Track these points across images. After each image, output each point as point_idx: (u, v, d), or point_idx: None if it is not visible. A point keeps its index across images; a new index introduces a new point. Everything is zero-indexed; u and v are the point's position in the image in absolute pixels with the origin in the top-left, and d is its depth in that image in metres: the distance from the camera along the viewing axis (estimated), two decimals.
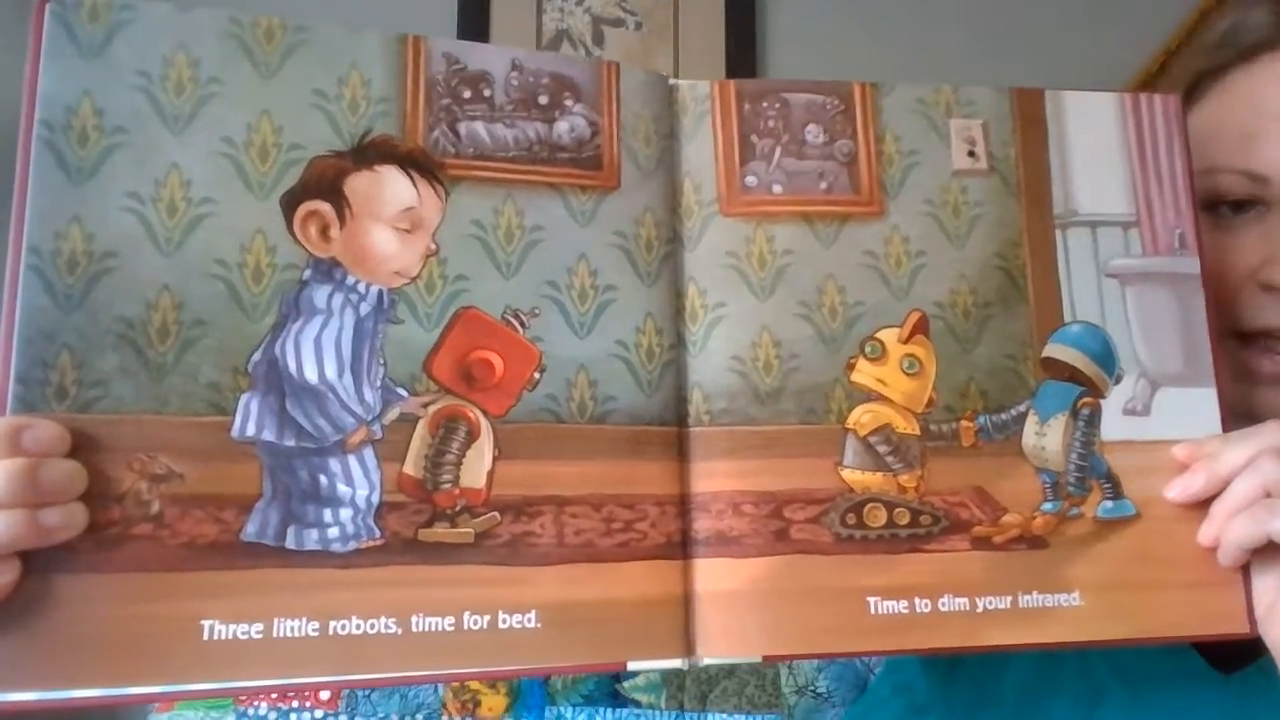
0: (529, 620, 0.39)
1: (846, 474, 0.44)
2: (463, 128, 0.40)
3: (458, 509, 0.39)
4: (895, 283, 0.46)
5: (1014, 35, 1.50)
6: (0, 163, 1.44)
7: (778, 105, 0.46)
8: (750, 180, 0.45)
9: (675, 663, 0.41)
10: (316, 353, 0.38)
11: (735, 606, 0.42)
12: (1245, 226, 0.53)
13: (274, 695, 0.78)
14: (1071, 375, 0.47)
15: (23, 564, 0.34)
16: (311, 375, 0.38)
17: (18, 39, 1.46)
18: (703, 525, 0.43)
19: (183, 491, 0.36)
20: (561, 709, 0.83)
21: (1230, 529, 0.44)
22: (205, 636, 0.36)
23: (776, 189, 0.45)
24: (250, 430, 0.37)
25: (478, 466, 0.40)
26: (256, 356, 0.38)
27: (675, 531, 0.42)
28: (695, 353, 0.44)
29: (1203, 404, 0.47)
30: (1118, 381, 0.47)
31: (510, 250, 0.41)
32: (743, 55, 1.61)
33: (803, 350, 0.44)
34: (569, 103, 0.42)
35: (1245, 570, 0.46)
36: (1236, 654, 0.51)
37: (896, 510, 0.44)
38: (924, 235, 0.46)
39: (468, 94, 0.41)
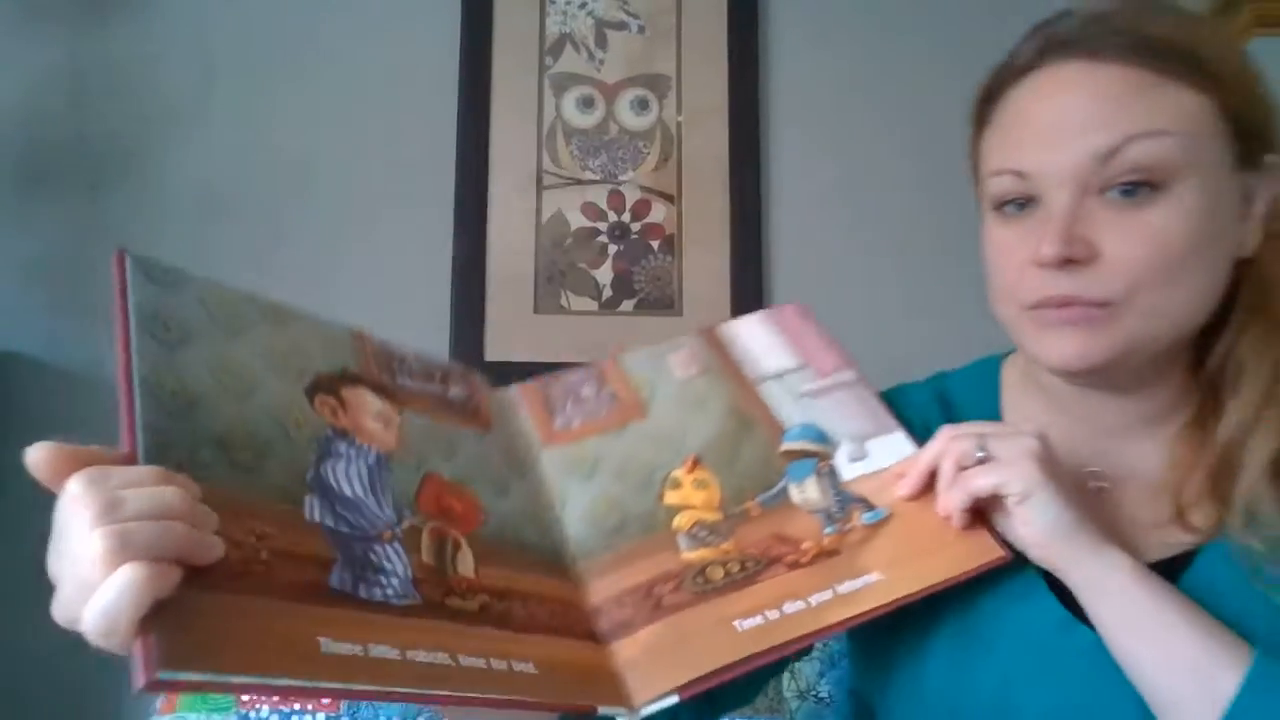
0: (529, 667, 0.53)
1: (686, 556, 0.64)
2: (398, 380, 0.65)
3: (464, 588, 0.55)
4: (666, 445, 0.71)
5: (1013, 33, 1.57)
6: (2, 160, 1.49)
7: (560, 385, 0.75)
8: (559, 423, 0.72)
9: (622, 712, 0.56)
10: (348, 479, 0.54)
11: (644, 664, 0.58)
12: (1022, 221, 0.65)
13: (275, 698, 0.78)
14: (804, 454, 0.71)
15: (185, 577, 0.42)
16: (348, 491, 0.54)
17: (20, 39, 1.58)
18: (604, 623, 0.61)
19: (280, 547, 0.47)
20: None
21: (948, 500, 0.64)
22: (323, 650, 0.44)
23: (575, 423, 0.72)
24: (316, 518, 0.50)
25: (466, 564, 0.57)
26: (310, 475, 0.52)
27: (592, 628, 0.60)
28: (563, 518, 0.66)
29: (897, 441, 0.71)
30: (837, 448, 0.71)
31: (446, 447, 0.64)
32: (745, 58, 1.61)
33: (627, 499, 0.67)
34: (452, 381, 0.69)
35: (983, 518, 0.65)
36: None
37: (729, 564, 0.64)
38: (679, 416, 0.73)
39: (397, 364, 0.66)
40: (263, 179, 1.54)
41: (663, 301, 1.56)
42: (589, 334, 1.56)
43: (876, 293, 1.61)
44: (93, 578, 0.39)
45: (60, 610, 0.43)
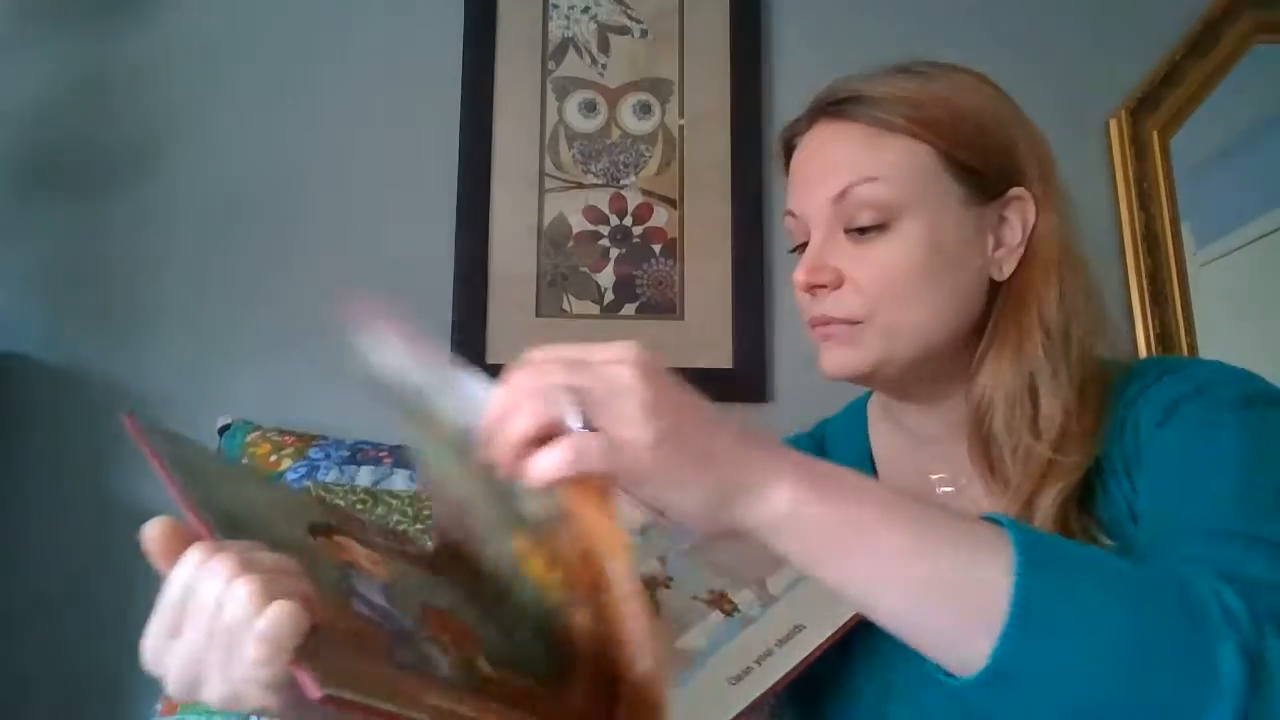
0: None
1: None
2: (365, 536, 0.62)
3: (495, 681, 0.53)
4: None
5: (1018, 37, 1.52)
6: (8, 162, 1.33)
7: None
8: None
9: None
10: (372, 593, 0.52)
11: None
12: (801, 255, 0.74)
13: None
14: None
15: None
16: (377, 601, 0.52)
17: (29, 43, 1.45)
18: None
19: (348, 627, 0.49)
20: None
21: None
22: (425, 699, 0.46)
23: None
24: (365, 611, 0.51)
25: (487, 669, 0.55)
26: (344, 585, 0.53)
27: None
28: None
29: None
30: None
31: (429, 586, 0.61)
32: (747, 62, 1.59)
33: None
34: (405, 542, 0.67)
35: None
36: None
37: None
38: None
39: (358, 526, 0.63)
40: (266, 183, 1.51)
41: (664, 305, 1.55)
42: (591, 337, 1.43)
43: None
44: (240, 620, 0.42)
45: (183, 675, 0.45)
